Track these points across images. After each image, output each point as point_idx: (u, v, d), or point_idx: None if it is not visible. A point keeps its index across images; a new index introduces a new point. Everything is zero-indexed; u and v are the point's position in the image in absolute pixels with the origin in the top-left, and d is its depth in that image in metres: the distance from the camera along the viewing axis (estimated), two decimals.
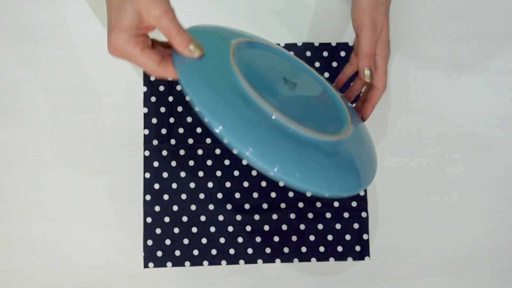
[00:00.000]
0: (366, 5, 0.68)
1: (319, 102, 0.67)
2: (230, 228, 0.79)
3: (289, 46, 0.82)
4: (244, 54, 0.63)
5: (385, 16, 0.70)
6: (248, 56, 0.63)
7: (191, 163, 0.80)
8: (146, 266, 0.79)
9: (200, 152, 0.80)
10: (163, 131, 0.80)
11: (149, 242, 0.79)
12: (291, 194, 0.80)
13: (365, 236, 0.80)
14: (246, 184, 0.80)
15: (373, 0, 0.68)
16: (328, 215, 0.80)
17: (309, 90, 0.68)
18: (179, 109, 0.81)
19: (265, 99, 0.57)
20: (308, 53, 0.82)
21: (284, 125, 0.57)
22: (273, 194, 0.80)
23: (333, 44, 0.82)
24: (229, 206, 0.80)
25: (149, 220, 0.80)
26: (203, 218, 0.80)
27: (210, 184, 0.80)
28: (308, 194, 0.79)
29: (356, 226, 0.80)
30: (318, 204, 0.80)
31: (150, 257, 0.79)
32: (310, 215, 0.80)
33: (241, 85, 0.57)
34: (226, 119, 0.55)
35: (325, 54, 0.82)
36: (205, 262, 0.79)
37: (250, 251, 0.79)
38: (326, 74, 0.82)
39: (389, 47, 0.70)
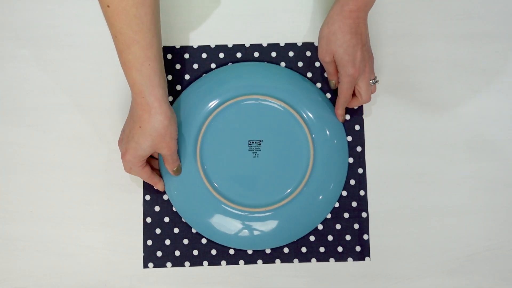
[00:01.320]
0: (319, 37, 0.75)
1: (280, 160, 0.78)
2: None
3: (289, 46, 0.82)
4: (211, 132, 0.78)
5: (335, 44, 0.73)
6: (217, 129, 0.78)
7: None
8: (145, 266, 0.79)
9: None
10: None
11: (149, 242, 0.79)
12: None
13: (365, 237, 0.80)
14: None
15: (326, 31, 0.74)
16: (328, 215, 0.80)
17: (274, 145, 0.78)
18: None
19: (222, 195, 0.77)
20: (308, 53, 0.82)
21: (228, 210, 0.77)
22: None
23: None
24: None
25: (149, 220, 0.80)
26: None
27: None
28: None
29: (356, 226, 0.80)
30: None
31: (150, 257, 0.79)
32: None
33: (206, 189, 0.77)
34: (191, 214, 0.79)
35: None
36: (205, 263, 0.79)
37: (250, 251, 0.79)
38: (326, 74, 0.82)
39: (349, 69, 0.74)
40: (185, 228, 0.79)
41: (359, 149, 0.81)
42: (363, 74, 0.75)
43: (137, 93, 0.69)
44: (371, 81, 0.77)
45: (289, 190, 0.77)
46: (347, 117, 0.81)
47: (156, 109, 0.69)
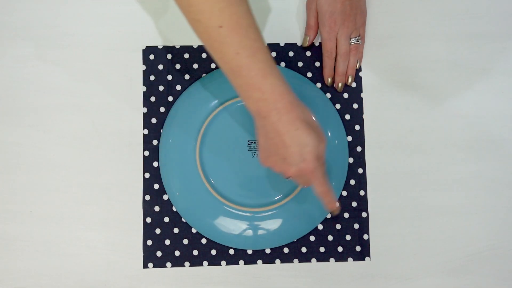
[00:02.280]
0: None
1: None
2: None
3: (289, 46, 0.82)
4: (210, 132, 0.78)
5: None
6: (216, 130, 0.78)
7: None
8: (145, 266, 0.79)
9: None
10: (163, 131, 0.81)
11: (149, 242, 0.79)
12: None
13: (365, 236, 0.80)
14: None
15: None
16: (328, 215, 0.80)
17: None
18: None
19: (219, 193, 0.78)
20: (308, 53, 0.82)
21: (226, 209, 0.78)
22: None
23: None
24: None
25: (148, 220, 0.79)
26: None
27: None
28: None
29: (356, 226, 0.80)
30: None
31: (150, 257, 0.79)
32: None
33: (206, 190, 0.78)
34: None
35: None
36: (205, 263, 0.79)
37: (250, 251, 0.79)
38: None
39: (326, 19, 0.76)
40: (185, 228, 0.79)
41: (359, 149, 0.81)
42: (341, 28, 0.76)
43: (279, 97, 0.64)
44: (352, 38, 0.77)
45: (288, 189, 0.77)
46: (347, 117, 0.81)
47: (298, 100, 0.65)
